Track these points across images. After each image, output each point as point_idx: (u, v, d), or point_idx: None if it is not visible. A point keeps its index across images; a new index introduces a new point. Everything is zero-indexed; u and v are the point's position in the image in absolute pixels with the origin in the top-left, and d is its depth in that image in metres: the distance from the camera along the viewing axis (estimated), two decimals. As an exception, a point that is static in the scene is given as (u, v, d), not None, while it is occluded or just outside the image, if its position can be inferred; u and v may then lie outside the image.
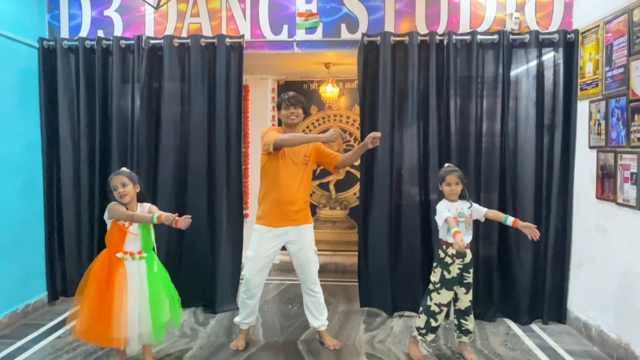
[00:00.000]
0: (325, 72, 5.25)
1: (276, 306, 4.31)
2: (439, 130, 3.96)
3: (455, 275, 3.09)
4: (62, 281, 4.35)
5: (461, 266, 3.09)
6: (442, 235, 3.13)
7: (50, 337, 3.58)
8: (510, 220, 3.11)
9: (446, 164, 3.31)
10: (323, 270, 5.27)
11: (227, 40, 4.04)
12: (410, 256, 4.02)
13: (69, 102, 4.23)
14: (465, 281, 3.12)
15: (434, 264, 3.19)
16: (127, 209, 2.95)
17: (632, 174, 3.05)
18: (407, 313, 4.03)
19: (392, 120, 3.97)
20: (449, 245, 3.08)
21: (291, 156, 3.28)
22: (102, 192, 4.16)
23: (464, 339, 3.20)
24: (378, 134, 3.16)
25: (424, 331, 3.18)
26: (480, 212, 3.19)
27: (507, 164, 3.89)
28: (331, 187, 5.88)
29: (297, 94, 3.36)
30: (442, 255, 3.13)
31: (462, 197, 3.16)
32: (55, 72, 4.19)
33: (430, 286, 3.18)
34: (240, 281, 4.09)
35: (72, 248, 4.31)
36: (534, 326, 3.84)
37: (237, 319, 3.47)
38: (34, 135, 4.16)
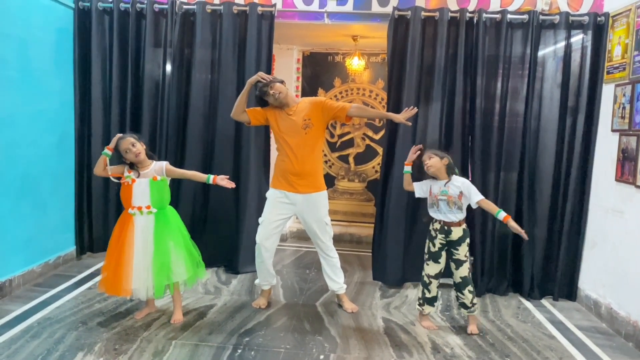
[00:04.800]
0: (351, 45, 5.30)
1: (294, 271, 4.47)
2: (463, 108, 4.02)
3: (437, 249, 3.24)
4: (89, 237, 4.53)
5: (444, 242, 3.23)
6: (429, 211, 3.31)
7: (82, 288, 3.77)
8: (501, 215, 3.09)
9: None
10: (339, 240, 5.44)
11: (259, 8, 4.10)
12: (426, 231, 4.11)
13: (102, 63, 4.33)
14: (454, 257, 3.24)
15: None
16: (139, 167, 3.13)
17: (653, 157, 3.12)
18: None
19: (417, 95, 4.03)
20: (434, 219, 3.27)
21: (285, 127, 3.32)
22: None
23: (463, 311, 3.32)
24: (414, 111, 3.32)
25: (421, 301, 3.36)
26: (470, 197, 3.17)
27: (529, 144, 3.95)
28: (350, 159, 5.98)
29: (265, 77, 3.26)
30: (430, 228, 3.31)
31: (453, 172, 3.25)
32: (90, 33, 4.27)
33: (424, 257, 3.34)
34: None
35: (99, 207, 4.47)
36: (545, 302, 3.96)
37: (257, 281, 3.64)
38: (68, 94, 4.28)
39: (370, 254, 4.32)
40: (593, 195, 3.89)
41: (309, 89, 5.86)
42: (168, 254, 3.13)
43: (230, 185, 3.21)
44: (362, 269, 4.58)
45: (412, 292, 4.03)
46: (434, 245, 3.26)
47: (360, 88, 5.83)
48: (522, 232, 3.06)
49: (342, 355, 2.91)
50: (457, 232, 3.20)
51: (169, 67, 4.23)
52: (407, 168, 3.46)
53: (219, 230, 4.30)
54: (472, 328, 3.29)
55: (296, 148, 3.32)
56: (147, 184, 3.11)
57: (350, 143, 5.96)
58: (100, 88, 4.34)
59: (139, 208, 3.11)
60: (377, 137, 5.85)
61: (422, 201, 4.10)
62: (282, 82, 3.33)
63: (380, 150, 5.79)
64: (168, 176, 3.19)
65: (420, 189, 3.37)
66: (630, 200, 3.39)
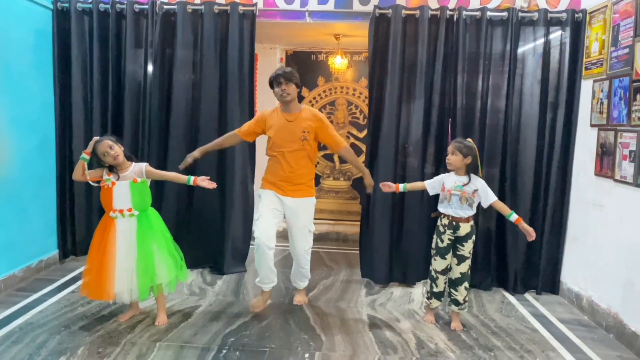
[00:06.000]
0: (334, 44, 5.30)
1: (280, 270, 4.41)
2: (444, 105, 4.05)
3: (445, 245, 3.25)
4: (72, 241, 4.48)
5: (452, 237, 3.24)
6: (439, 206, 3.30)
7: (65, 292, 3.73)
8: (513, 217, 3.17)
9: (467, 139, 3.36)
10: (325, 238, 5.45)
11: (240, 8, 4.08)
12: (411, 228, 4.15)
13: (82, 65, 4.29)
14: (458, 252, 3.26)
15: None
16: (119, 169, 3.10)
17: (630, 151, 3.17)
18: (404, 284, 4.17)
19: (399, 94, 4.05)
20: (443, 215, 3.26)
21: (283, 133, 3.30)
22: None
23: (453, 307, 3.34)
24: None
25: (429, 295, 3.39)
26: (486, 198, 3.22)
27: (510, 140, 4.00)
28: (335, 158, 5.99)
29: (287, 70, 3.29)
30: (438, 223, 3.31)
31: (474, 172, 3.23)
32: (69, 34, 4.23)
33: (431, 252, 3.35)
34: (250, 246, 4.23)
35: (82, 209, 4.43)
36: (528, 296, 4.01)
37: (258, 281, 3.46)
38: (48, 96, 4.23)
39: (357, 251, 4.34)
40: (573, 190, 3.94)
41: (292, 88, 5.86)
42: (152, 256, 3.11)
43: (212, 185, 3.21)
44: (348, 267, 4.59)
45: (398, 290, 4.05)
46: (442, 241, 3.26)
47: (344, 87, 5.84)
48: (530, 232, 3.11)
49: (327, 353, 2.92)
50: (465, 228, 3.21)
51: (150, 68, 4.20)
52: (400, 187, 3.41)
53: (204, 231, 4.28)
54: (455, 325, 3.32)
55: (290, 157, 3.30)
56: (127, 186, 3.08)
57: (334, 142, 5.97)
58: (80, 90, 4.30)
59: (121, 211, 3.08)
60: (361, 135, 5.87)
61: (409, 198, 4.14)
62: (297, 84, 3.30)
63: (364, 148, 5.79)
64: (148, 178, 3.17)
65: (432, 187, 3.36)
66: (609, 194, 3.44)
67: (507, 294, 4.02)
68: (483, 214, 4.09)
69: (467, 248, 3.24)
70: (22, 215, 3.92)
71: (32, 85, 4.03)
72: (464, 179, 3.21)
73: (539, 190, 4.04)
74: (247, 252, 4.43)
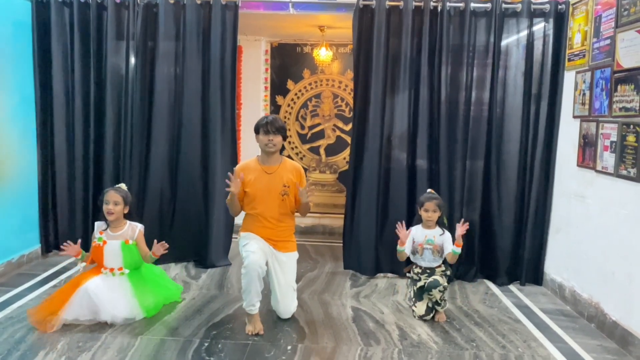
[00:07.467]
0: (319, 36, 5.27)
1: (265, 263, 4.45)
2: (429, 98, 4.05)
3: (419, 287, 3.32)
4: (55, 235, 4.44)
5: (427, 279, 3.29)
6: (411, 256, 3.38)
7: (46, 286, 3.69)
8: (454, 247, 3.24)
9: (428, 190, 3.49)
10: (311, 232, 5.44)
11: (223, -1, 4.05)
12: (397, 220, 4.13)
13: (63, 57, 4.24)
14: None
15: (407, 282, 3.48)
16: (109, 225, 3.15)
17: (611, 142, 3.18)
18: (389, 275, 4.19)
19: (384, 86, 4.04)
20: (414, 265, 3.37)
21: (262, 187, 3.09)
22: (96, 149, 4.24)
23: (436, 307, 3.30)
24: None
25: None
26: (446, 248, 3.28)
27: (494, 132, 4.01)
28: (321, 151, 5.96)
29: (276, 120, 3.05)
30: (410, 274, 3.40)
31: (439, 223, 3.33)
32: (49, 26, 4.18)
33: (410, 301, 3.42)
34: (232, 239, 4.22)
35: (64, 203, 4.39)
36: (512, 287, 4.03)
37: (245, 305, 3.07)
38: (28, 88, 4.17)
39: (342, 244, 4.34)
40: (557, 181, 3.96)
41: (277, 81, 5.82)
42: (151, 298, 3.24)
43: (163, 247, 3.18)
44: (333, 260, 4.59)
45: (382, 282, 4.05)
46: (416, 286, 3.33)
47: (330, 79, 5.81)
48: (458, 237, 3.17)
49: (309, 345, 2.91)
50: (438, 270, 3.32)
51: (132, 60, 4.15)
52: (401, 247, 3.32)
53: (188, 224, 4.26)
54: (439, 316, 3.32)
55: (270, 214, 3.10)
56: (118, 246, 3.12)
57: (320, 134, 5.95)
58: (61, 82, 4.25)
59: (111, 270, 3.14)
60: (347, 128, 5.85)
61: (394, 188, 4.14)
62: (285, 136, 3.11)
63: (350, 141, 5.78)
64: (137, 242, 3.20)
65: (409, 247, 3.35)
66: (591, 185, 3.46)
67: (491, 285, 4.04)
68: (467, 205, 4.12)
69: (439, 273, 3.32)
70: (2, 209, 3.87)
71: (11, 78, 3.97)
72: (436, 231, 3.30)
73: (522, 181, 4.06)
74: (230, 245, 4.41)
